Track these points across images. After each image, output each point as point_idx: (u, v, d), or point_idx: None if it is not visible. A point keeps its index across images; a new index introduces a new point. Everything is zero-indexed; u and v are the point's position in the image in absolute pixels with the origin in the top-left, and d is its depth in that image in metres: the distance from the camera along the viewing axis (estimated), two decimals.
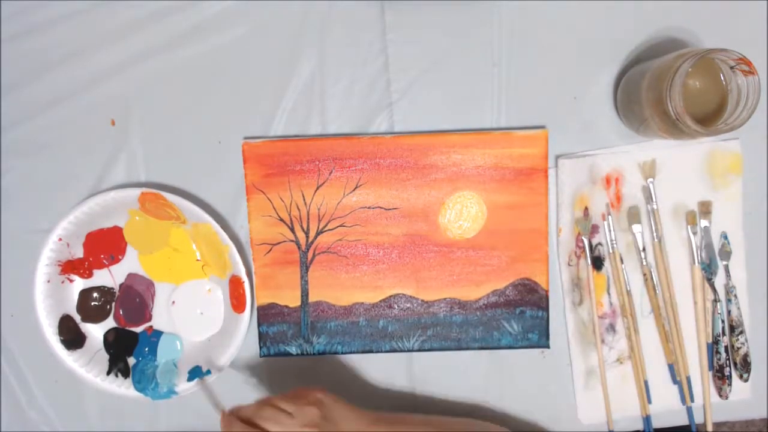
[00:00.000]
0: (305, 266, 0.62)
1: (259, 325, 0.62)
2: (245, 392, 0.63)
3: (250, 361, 0.63)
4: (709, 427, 0.62)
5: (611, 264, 0.62)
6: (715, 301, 0.62)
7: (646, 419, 0.62)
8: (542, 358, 0.63)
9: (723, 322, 0.62)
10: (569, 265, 0.62)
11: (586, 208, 0.61)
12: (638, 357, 0.62)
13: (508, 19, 0.61)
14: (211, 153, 0.62)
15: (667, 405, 0.63)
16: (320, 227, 0.62)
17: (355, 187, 0.61)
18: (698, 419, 0.63)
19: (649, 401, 0.62)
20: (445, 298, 0.62)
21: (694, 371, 0.62)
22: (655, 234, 0.61)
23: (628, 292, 0.62)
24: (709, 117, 0.53)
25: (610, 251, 0.62)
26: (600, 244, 0.62)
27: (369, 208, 0.62)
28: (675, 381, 0.62)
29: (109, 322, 0.64)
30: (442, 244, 0.62)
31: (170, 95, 0.62)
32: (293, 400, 0.53)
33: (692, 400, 0.62)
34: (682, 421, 0.63)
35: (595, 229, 0.62)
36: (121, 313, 0.63)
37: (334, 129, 0.62)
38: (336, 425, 0.52)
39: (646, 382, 0.62)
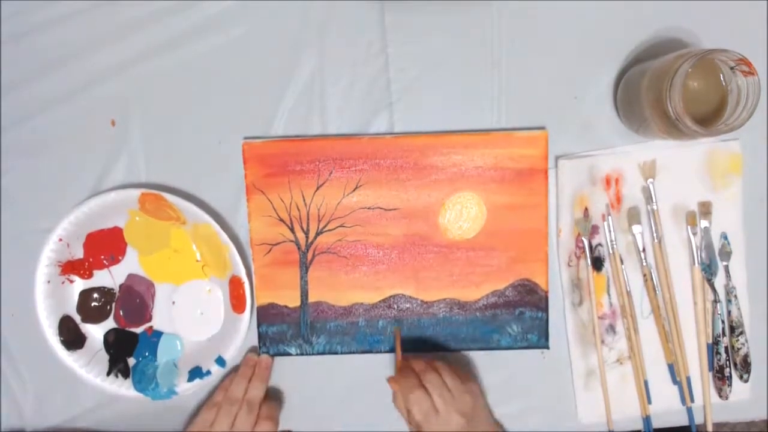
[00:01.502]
0: (305, 266, 0.62)
1: (258, 325, 0.62)
2: None
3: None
4: (709, 428, 0.62)
5: (611, 264, 0.62)
6: (715, 301, 0.61)
7: (646, 419, 0.62)
8: (542, 358, 0.63)
9: (723, 322, 0.61)
10: (569, 265, 0.62)
11: (586, 209, 0.61)
12: (638, 357, 0.62)
13: (508, 19, 0.61)
14: (211, 153, 0.62)
15: (667, 405, 0.63)
16: (320, 227, 0.62)
17: (355, 188, 0.61)
18: (698, 419, 0.63)
19: (649, 401, 0.62)
20: (444, 299, 0.62)
21: (694, 372, 0.62)
22: (655, 234, 0.61)
23: (628, 293, 0.62)
24: (709, 117, 0.53)
25: (610, 252, 0.62)
26: (600, 244, 0.62)
27: (369, 208, 0.62)
28: (675, 381, 0.62)
29: (110, 323, 0.64)
30: (442, 245, 0.62)
31: (170, 95, 0.62)
32: (455, 379, 0.56)
33: (692, 401, 0.62)
34: (682, 421, 0.63)
35: (595, 229, 0.62)
36: (121, 313, 0.63)
37: (334, 129, 0.62)
38: (475, 425, 0.56)
39: (646, 383, 0.62)
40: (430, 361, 0.58)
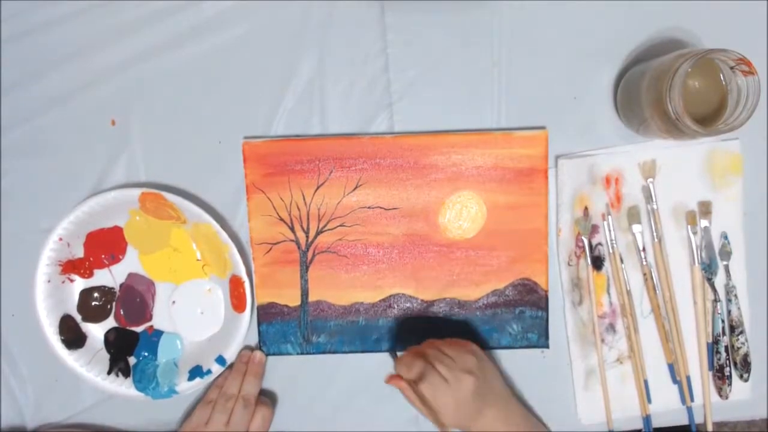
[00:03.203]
0: (305, 266, 0.62)
1: (259, 324, 0.63)
2: None
3: None
4: (710, 427, 0.62)
5: (611, 264, 0.62)
6: (715, 301, 0.62)
7: (646, 419, 0.62)
8: (542, 358, 0.63)
9: (723, 322, 0.62)
10: (569, 265, 0.62)
11: (586, 208, 0.61)
12: (638, 357, 0.62)
13: (508, 19, 0.61)
14: (211, 153, 0.62)
15: (667, 405, 0.63)
16: (320, 227, 0.62)
17: (355, 187, 0.61)
18: (698, 419, 0.63)
19: (649, 401, 0.62)
20: (444, 298, 0.62)
21: (694, 371, 0.62)
22: (654, 234, 0.61)
23: (628, 292, 0.62)
24: (709, 117, 0.53)
25: (610, 251, 0.62)
26: (600, 244, 0.62)
27: (369, 207, 0.62)
28: (675, 381, 0.62)
29: (110, 322, 0.64)
30: (442, 244, 0.62)
31: (170, 95, 0.62)
32: (452, 346, 0.56)
33: (692, 400, 0.62)
34: (682, 421, 0.63)
35: (595, 229, 0.62)
36: (121, 312, 0.63)
37: (334, 129, 0.62)
38: (486, 380, 0.56)
39: (645, 382, 0.62)
40: (426, 342, 0.58)
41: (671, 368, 0.62)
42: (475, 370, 0.55)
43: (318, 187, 0.61)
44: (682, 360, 0.62)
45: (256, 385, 0.61)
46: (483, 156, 0.61)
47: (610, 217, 0.61)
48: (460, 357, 0.55)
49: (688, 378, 0.62)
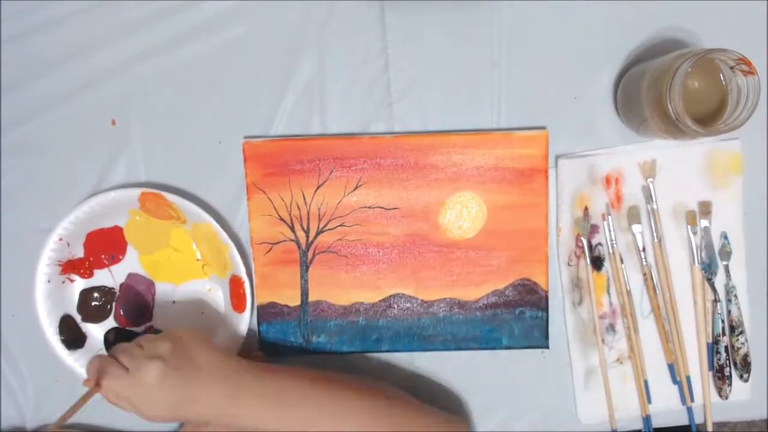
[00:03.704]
0: (305, 266, 0.62)
1: (259, 324, 0.63)
2: None
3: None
4: (710, 427, 0.62)
5: (611, 264, 0.62)
6: (715, 301, 0.62)
7: (646, 419, 0.62)
8: (542, 358, 0.63)
9: (723, 322, 0.62)
10: (569, 265, 0.62)
11: (586, 208, 0.61)
12: (638, 357, 0.62)
13: (508, 19, 0.61)
14: (211, 153, 0.62)
15: (667, 405, 0.63)
16: (320, 227, 0.62)
17: (356, 187, 0.61)
18: (698, 419, 0.63)
19: (649, 401, 0.62)
20: (444, 298, 0.62)
21: (694, 371, 0.62)
22: (654, 234, 0.61)
23: (628, 292, 0.62)
24: (709, 117, 0.53)
25: (610, 251, 0.62)
26: (600, 244, 0.62)
27: (369, 207, 0.62)
28: (675, 381, 0.62)
29: (110, 322, 0.64)
30: (442, 244, 0.62)
31: (170, 95, 0.62)
32: (150, 337, 0.53)
33: (692, 400, 0.62)
34: (683, 421, 0.63)
35: (594, 229, 0.62)
36: (121, 312, 0.63)
37: (335, 129, 0.62)
38: (191, 361, 0.51)
39: (646, 382, 0.62)
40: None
41: (671, 368, 0.62)
42: (167, 355, 0.50)
43: (318, 187, 0.61)
44: (682, 360, 0.62)
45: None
46: (483, 156, 0.61)
47: (610, 217, 0.61)
48: (151, 344, 0.51)
49: (688, 378, 0.62)
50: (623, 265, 0.62)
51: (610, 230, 0.61)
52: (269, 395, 0.53)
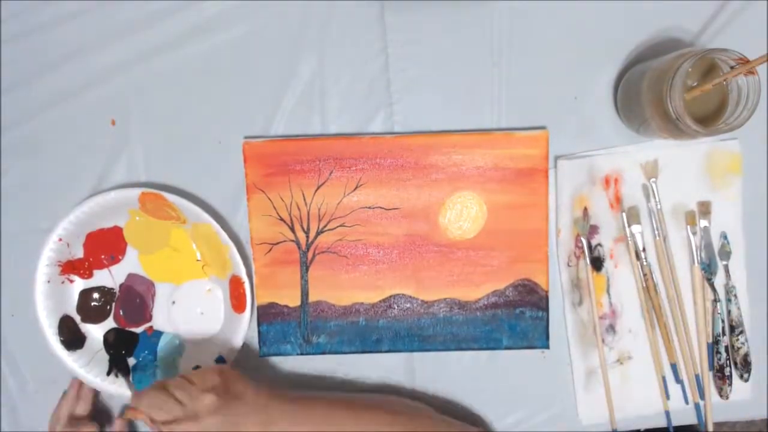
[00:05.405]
0: (305, 266, 0.62)
1: (259, 324, 0.62)
2: None
3: (250, 361, 0.63)
4: (710, 427, 0.62)
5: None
6: (715, 301, 0.62)
7: (666, 414, 0.62)
8: (542, 358, 0.63)
9: (723, 322, 0.62)
10: (569, 265, 0.62)
11: (585, 209, 0.61)
12: (656, 353, 0.62)
13: (508, 19, 0.61)
14: (211, 153, 0.62)
15: (669, 404, 0.63)
16: (320, 227, 0.62)
17: (356, 187, 0.61)
18: (699, 419, 0.63)
19: (668, 397, 0.62)
20: (445, 299, 0.62)
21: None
22: (657, 232, 0.61)
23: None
24: (709, 117, 0.53)
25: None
26: (599, 244, 0.62)
27: (369, 208, 0.62)
28: (677, 380, 0.62)
29: (109, 323, 0.64)
30: (443, 245, 0.62)
31: (170, 95, 0.62)
32: (197, 372, 0.55)
33: (701, 397, 0.62)
34: (683, 421, 0.63)
35: (594, 229, 0.62)
36: (121, 313, 0.63)
37: (335, 129, 0.62)
38: (233, 392, 0.54)
39: (664, 378, 0.62)
40: (155, 385, 0.55)
41: (674, 368, 0.62)
42: (218, 387, 0.53)
43: (318, 187, 0.61)
44: (685, 360, 0.62)
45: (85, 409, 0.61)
46: (483, 156, 0.61)
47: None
48: (201, 378, 0.54)
49: (697, 377, 0.62)
50: (647, 262, 0.61)
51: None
52: (301, 422, 0.55)
